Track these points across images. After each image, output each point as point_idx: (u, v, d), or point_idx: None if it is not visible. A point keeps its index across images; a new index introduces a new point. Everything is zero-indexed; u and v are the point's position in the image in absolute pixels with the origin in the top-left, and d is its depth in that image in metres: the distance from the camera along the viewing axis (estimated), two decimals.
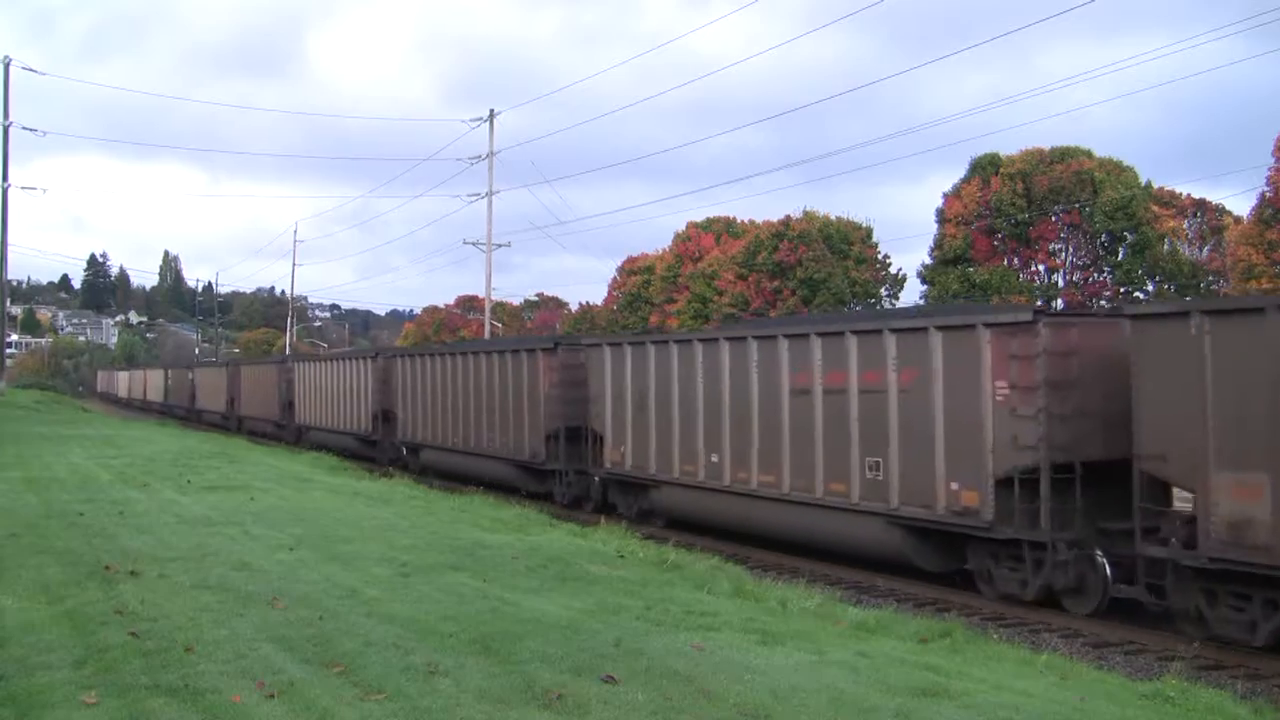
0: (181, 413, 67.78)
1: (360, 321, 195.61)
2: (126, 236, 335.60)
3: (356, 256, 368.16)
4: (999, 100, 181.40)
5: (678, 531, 19.64)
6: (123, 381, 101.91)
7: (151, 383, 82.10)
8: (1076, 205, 50.63)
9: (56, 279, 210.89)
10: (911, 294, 62.70)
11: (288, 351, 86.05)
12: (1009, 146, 57.84)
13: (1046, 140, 55.74)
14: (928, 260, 56.01)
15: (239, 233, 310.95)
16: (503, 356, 26.20)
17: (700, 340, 19.51)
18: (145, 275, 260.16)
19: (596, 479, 22.80)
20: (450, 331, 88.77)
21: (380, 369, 34.52)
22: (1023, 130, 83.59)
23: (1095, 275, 52.74)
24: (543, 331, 78.58)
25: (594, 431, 22.45)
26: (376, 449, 34.79)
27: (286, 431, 44.68)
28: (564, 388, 23.68)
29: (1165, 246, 51.52)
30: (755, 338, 18.00)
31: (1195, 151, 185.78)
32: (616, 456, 21.52)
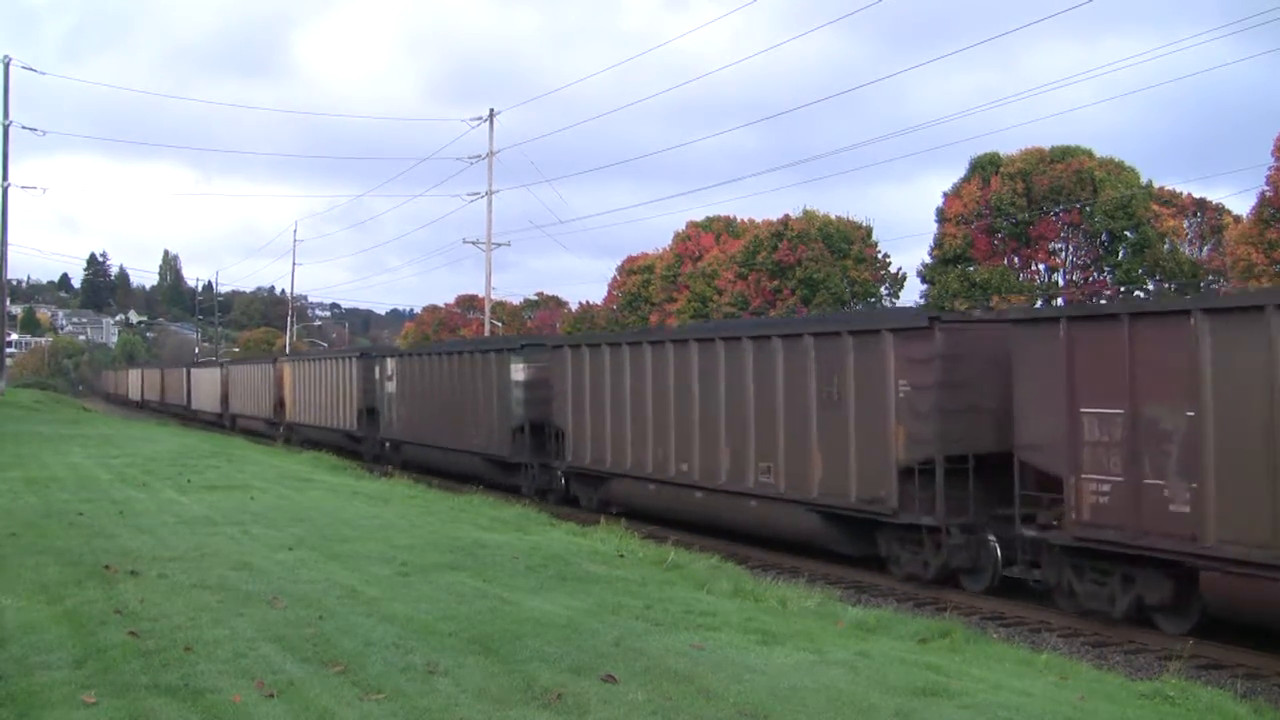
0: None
1: (360, 321, 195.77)
2: (124, 236, 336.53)
3: (354, 256, 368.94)
4: (989, 102, 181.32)
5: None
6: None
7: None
8: (1076, 205, 50.67)
9: (56, 278, 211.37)
10: (911, 293, 62.79)
11: (288, 350, 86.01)
12: (999, 147, 58.15)
13: (1037, 140, 55.88)
14: (927, 259, 56.11)
15: (236, 232, 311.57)
16: (792, 343, 17.36)
17: None
18: (145, 275, 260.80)
19: (994, 543, 14.64)
20: (450, 330, 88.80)
21: (535, 367, 25.45)
22: (1014, 131, 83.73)
23: (1095, 274, 52.81)
24: (542, 331, 77.14)
25: (1029, 465, 13.75)
26: (520, 475, 25.88)
27: (364, 445, 35.84)
28: (942, 391, 14.90)
29: (1165, 246, 51.60)
30: None
31: (1188, 152, 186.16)
32: (1092, 501, 12.73)
